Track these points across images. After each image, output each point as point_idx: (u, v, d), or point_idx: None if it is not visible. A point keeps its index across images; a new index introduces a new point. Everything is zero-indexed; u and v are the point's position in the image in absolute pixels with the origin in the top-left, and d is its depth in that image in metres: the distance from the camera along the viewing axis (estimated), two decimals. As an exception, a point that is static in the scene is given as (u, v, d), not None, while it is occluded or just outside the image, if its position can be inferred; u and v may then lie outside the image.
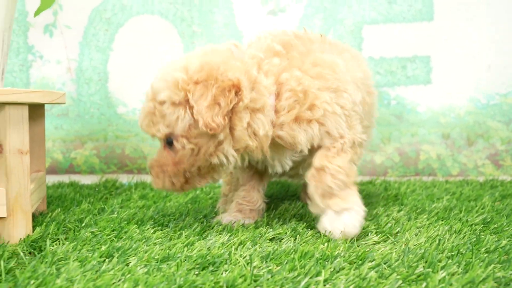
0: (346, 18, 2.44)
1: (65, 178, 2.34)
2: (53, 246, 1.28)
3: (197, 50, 1.42)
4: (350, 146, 1.42)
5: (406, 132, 2.47)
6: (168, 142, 1.38)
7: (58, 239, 1.36)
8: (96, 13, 2.41)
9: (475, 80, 2.45)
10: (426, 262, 1.16)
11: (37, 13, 1.58)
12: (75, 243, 1.29)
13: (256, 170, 1.57)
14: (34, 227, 1.43)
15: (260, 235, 1.39)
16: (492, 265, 1.13)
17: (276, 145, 1.42)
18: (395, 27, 2.45)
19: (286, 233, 1.41)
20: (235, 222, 1.50)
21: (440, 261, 1.16)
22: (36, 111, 1.67)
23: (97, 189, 2.03)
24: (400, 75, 2.47)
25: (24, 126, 1.37)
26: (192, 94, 1.30)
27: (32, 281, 1.02)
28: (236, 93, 1.31)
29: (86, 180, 2.33)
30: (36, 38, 2.40)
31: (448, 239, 1.34)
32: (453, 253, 1.22)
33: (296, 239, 1.37)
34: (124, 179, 2.35)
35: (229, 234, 1.39)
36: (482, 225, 1.50)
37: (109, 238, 1.35)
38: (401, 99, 2.47)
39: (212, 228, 1.47)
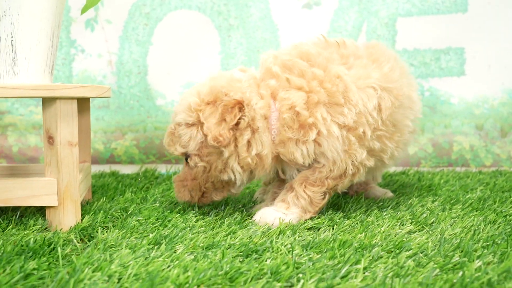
0: (380, 11, 2.47)
1: (106, 168, 2.43)
2: (103, 233, 1.35)
3: (208, 76, 1.57)
4: (338, 176, 1.51)
5: (439, 123, 2.49)
6: (186, 159, 1.53)
7: (106, 227, 1.43)
8: (135, 8, 2.48)
9: (509, 71, 2.45)
10: (462, 251, 1.19)
11: (84, 10, 1.64)
12: (124, 231, 1.36)
13: None
14: (82, 216, 1.51)
15: (298, 225, 1.44)
16: (527, 255, 1.16)
17: (283, 160, 1.52)
18: (429, 19, 2.47)
19: (323, 222, 1.46)
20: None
21: (475, 250, 1.20)
22: (82, 104, 1.74)
23: (140, 179, 2.11)
24: (434, 67, 2.48)
25: (73, 119, 1.44)
26: (203, 113, 1.43)
27: (88, 266, 1.08)
28: (240, 109, 1.43)
29: (126, 170, 2.41)
30: (78, 33, 2.48)
31: (483, 230, 1.37)
32: (488, 243, 1.25)
33: (333, 228, 1.41)
34: (162, 169, 2.42)
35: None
36: (516, 216, 1.52)
37: (155, 227, 1.42)
38: (435, 90, 2.49)
39: (252, 217, 1.52)
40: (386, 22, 2.47)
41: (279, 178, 1.64)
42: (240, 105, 1.43)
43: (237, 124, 1.43)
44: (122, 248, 1.21)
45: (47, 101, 1.42)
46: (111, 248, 1.23)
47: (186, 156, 1.52)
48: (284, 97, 1.45)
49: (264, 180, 1.76)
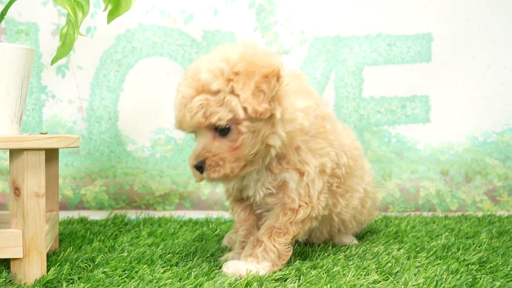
0: (347, 59, 2.54)
1: (75, 214, 2.41)
2: (68, 287, 1.34)
3: (229, 45, 1.50)
4: (301, 220, 1.54)
5: (406, 168, 2.54)
6: (223, 130, 1.41)
7: (72, 279, 1.42)
8: (107, 55, 2.50)
9: (473, 119, 2.54)
10: (423, 304, 1.21)
11: (53, 61, 1.66)
12: (89, 284, 1.35)
13: (251, 210, 1.65)
14: (48, 267, 1.49)
15: (265, 276, 1.45)
16: (487, 307, 1.19)
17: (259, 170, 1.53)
18: (394, 68, 2.54)
19: (290, 273, 1.47)
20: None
21: (437, 303, 1.22)
22: (51, 153, 1.74)
23: (108, 227, 2.09)
24: (400, 114, 2.55)
25: (41, 170, 1.44)
26: (237, 84, 1.36)
27: (51, 324, 1.08)
28: (278, 79, 1.40)
29: (95, 215, 2.39)
30: (49, 79, 2.49)
31: (445, 280, 1.40)
32: (449, 295, 1.28)
33: (300, 279, 1.42)
34: (132, 214, 2.41)
35: (235, 274, 1.45)
36: (478, 265, 1.55)
37: (121, 279, 1.41)
38: (401, 137, 2.55)
39: (220, 267, 1.52)
40: (353, 71, 2.54)
41: (243, 228, 1.65)
42: (278, 76, 1.39)
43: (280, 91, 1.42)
44: (86, 303, 1.21)
45: (14, 153, 1.42)
46: (75, 303, 1.22)
47: (227, 125, 1.40)
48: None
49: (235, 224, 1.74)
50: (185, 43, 2.52)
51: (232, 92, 1.38)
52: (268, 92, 1.37)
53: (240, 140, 1.41)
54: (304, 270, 1.50)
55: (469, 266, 1.54)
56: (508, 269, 1.50)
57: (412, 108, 2.54)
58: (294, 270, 1.49)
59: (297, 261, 1.59)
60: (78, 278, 1.42)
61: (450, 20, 2.54)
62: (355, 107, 2.54)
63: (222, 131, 1.41)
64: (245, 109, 1.38)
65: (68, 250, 1.70)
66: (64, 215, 2.37)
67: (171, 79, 2.51)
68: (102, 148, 2.51)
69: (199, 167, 1.42)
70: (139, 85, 2.51)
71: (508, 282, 1.39)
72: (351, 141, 1.74)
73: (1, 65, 1.48)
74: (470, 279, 1.39)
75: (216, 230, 2.08)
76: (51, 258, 1.60)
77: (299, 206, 1.53)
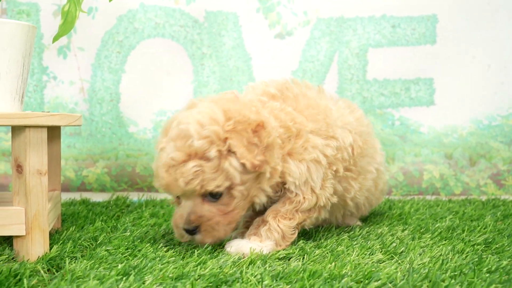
0: (351, 41, 2.52)
1: (77, 196, 2.40)
2: (71, 264, 1.33)
3: (205, 103, 1.48)
4: (307, 208, 1.54)
5: (409, 152, 2.53)
6: (216, 194, 1.43)
7: (75, 257, 1.41)
8: (109, 36, 2.48)
9: (477, 102, 2.52)
10: (430, 281, 1.20)
11: (55, 39, 1.64)
12: (92, 261, 1.34)
13: None
14: (51, 245, 1.48)
15: (269, 254, 1.44)
16: (494, 285, 1.18)
17: None
18: (399, 50, 2.52)
19: (294, 252, 1.46)
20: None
21: (443, 280, 1.21)
22: (53, 132, 1.73)
23: (109, 207, 2.09)
24: (404, 97, 2.53)
25: (43, 148, 1.43)
26: (232, 141, 1.38)
27: (55, 299, 1.07)
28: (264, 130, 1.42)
29: (97, 197, 2.38)
30: (51, 60, 2.47)
31: (451, 259, 1.39)
32: (456, 273, 1.27)
33: (304, 258, 1.42)
34: (134, 196, 2.40)
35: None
36: (484, 245, 1.54)
37: (124, 257, 1.40)
38: (405, 119, 2.53)
39: (223, 246, 1.52)
40: (357, 53, 2.52)
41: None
42: (262, 127, 1.41)
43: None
44: (90, 279, 1.20)
45: (16, 130, 1.41)
46: (78, 279, 1.21)
47: (220, 191, 1.42)
48: (287, 111, 1.50)
49: None
50: (187, 24, 2.50)
51: (227, 153, 1.39)
52: (260, 144, 1.40)
53: (233, 204, 1.44)
54: (308, 250, 1.49)
55: (475, 246, 1.53)
56: (514, 249, 1.49)
57: (416, 90, 2.53)
58: (298, 250, 1.49)
59: (301, 241, 1.58)
60: (81, 256, 1.41)
61: (456, 1, 2.51)
62: (359, 90, 2.53)
63: (214, 196, 1.44)
64: (243, 165, 1.39)
65: (71, 229, 1.69)
66: (66, 196, 2.36)
67: (173, 61, 2.49)
68: (103, 130, 2.49)
69: (191, 231, 1.45)
70: (140, 66, 2.49)
71: (514, 261, 1.38)
72: (356, 117, 1.70)
73: (2, 42, 1.46)
74: (476, 259, 1.38)
75: (218, 211, 2.07)
76: (54, 236, 1.59)
77: (303, 198, 1.53)
